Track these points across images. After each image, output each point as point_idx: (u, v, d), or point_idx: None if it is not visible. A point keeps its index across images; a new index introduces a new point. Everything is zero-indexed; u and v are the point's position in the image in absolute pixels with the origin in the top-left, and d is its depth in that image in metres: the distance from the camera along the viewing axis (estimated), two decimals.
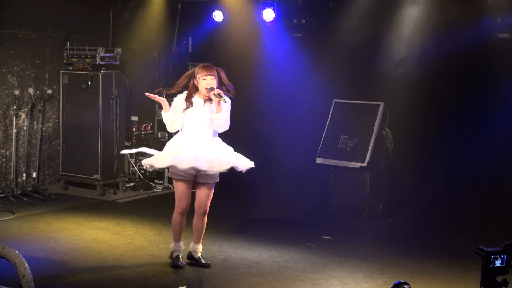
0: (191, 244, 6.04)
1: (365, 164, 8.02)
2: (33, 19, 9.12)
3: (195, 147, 5.62)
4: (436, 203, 8.17)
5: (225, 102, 5.58)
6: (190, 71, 5.76)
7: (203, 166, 5.58)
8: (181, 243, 6.00)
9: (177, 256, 5.98)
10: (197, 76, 5.66)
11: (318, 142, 8.48)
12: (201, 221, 5.92)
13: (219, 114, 5.61)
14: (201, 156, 5.58)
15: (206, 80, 5.63)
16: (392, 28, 8.48)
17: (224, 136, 10.30)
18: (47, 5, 9.24)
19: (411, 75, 8.32)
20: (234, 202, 8.82)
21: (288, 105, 9.21)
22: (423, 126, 8.35)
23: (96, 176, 9.17)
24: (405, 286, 3.48)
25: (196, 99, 5.74)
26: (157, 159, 5.74)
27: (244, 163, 5.74)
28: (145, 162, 5.78)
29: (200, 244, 6.02)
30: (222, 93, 5.60)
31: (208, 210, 5.90)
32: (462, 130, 8.07)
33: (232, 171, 5.79)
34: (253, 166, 5.84)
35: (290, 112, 9.21)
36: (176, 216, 5.90)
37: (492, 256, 3.35)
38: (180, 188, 5.77)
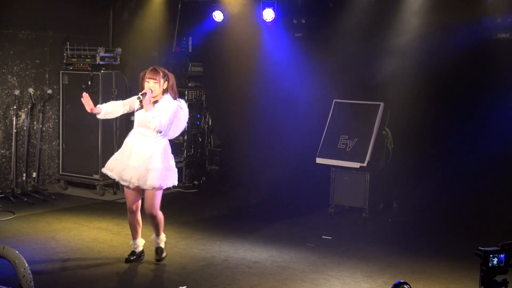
0: (152, 236, 6.11)
1: (365, 164, 8.03)
2: (33, 19, 9.12)
3: (130, 152, 5.78)
4: (436, 203, 8.17)
5: (139, 98, 5.66)
6: (143, 72, 5.83)
7: (125, 182, 5.82)
8: (137, 241, 6.11)
9: (131, 252, 6.10)
10: (144, 78, 5.77)
11: (318, 142, 8.48)
12: (152, 222, 5.99)
13: (147, 113, 5.66)
14: (130, 168, 5.74)
15: (149, 83, 5.72)
16: (392, 28, 8.48)
17: (224, 136, 10.32)
18: (47, 5, 9.24)
19: (411, 75, 8.32)
20: (234, 202, 8.83)
21: (288, 105, 9.21)
22: (423, 126, 8.35)
23: (96, 176, 9.16)
24: (405, 286, 3.48)
25: None
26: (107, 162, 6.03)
27: (160, 182, 5.77)
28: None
29: (161, 236, 6.07)
30: (147, 93, 5.66)
31: (155, 213, 5.87)
32: (462, 130, 8.08)
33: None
34: (175, 185, 6.01)
35: (290, 112, 9.22)
36: (128, 216, 6.07)
37: (491, 255, 3.35)
38: (125, 190, 5.98)
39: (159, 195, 5.85)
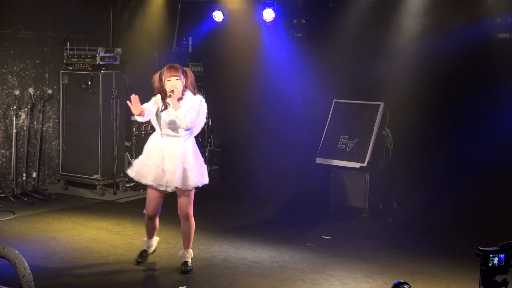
0: (181, 250, 5.94)
1: (365, 164, 8.03)
2: (33, 19, 9.12)
3: (162, 155, 5.63)
4: (436, 203, 8.17)
5: (170, 97, 5.51)
6: (158, 73, 5.68)
7: (162, 186, 5.68)
8: (151, 240, 6.07)
9: (142, 250, 6.06)
10: (163, 77, 5.60)
11: (318, 142, 8.49)
12: (186, 226, 5.82)
13: (177, 111, 5.52)
14: (165, 169, 5.61)
15: (170, 81, 5.56)
16: (392, 28, 8.48)
17: (224, 136, 10.33)
18: (47, 5, 9.24)
19: (411, 75, 8.31)
20: (234, 202, 8.83)
21: (288, 105, 9.20)
22: (423, 126, 8.35)
23: (96, 176, 9.16)
24: (405, 286, 3.48)
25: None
26: (133, 169, 5.87)
27: (198, 180, 5.71)
28: (127, 173, 6.07)
29: (190, 250, 5.89)
30: (173, 92, 5.53)
31: (191, 214, 5.78)
32: (462, 130, 8.07)
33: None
34: (207, 183, 5.86)
35: (290, 112, 9.21)
36: (145, 220, 5.98)
37: (491, 255, 3.35)
38: (148, 193, 5.86)
39: (193, 194, 5.76)
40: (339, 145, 8.32)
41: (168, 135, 5.65)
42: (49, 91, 9.20)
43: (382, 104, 8.24)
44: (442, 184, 8.24)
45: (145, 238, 6.14)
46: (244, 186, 9.20)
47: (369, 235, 7.37)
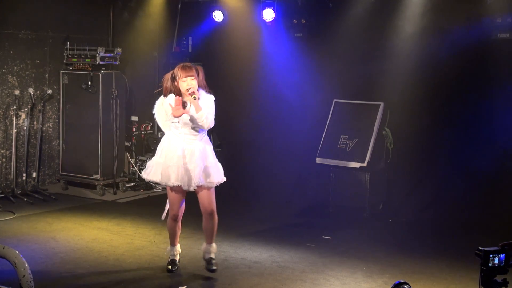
0: (203, 245, 5.88)
1: (365, 164, 8.03)
2: (33, 19, 9.12)
3: (183, 153, 5.54)
4: (436, 203, 8.17)
5: (195, 99, 5.44)
6: (169, 73, 5.58)
7: (187, 186, 5.57)
8: (177, 247, 5.93)
9: (172, 260, 5.90)
10: (177, 78, 5.51)
11: (318, 142, 8.48)
12: (210, 222, 5.77)
13: (199, 113, 5.45)
14: (188, 168, 5.52)
15: (186, 82, 5.47)
16: (392, 28, 8.48)
17: (225, 135, 10.34)
18: (47, 5, 9.24)
19: (411, 75, 8.31)
20: (234, 202, 8.82)
21: (288, 105, 9.21)
22: (423, 126, 8.35)
23: (96, 176, 9.16)
24: (405, 286, 3.48)
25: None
26: (150, 171, 5.70)
27: (220, 177, 5.71)
28: (143, 177, 5.91)
29: (213, 244, 5.82)
30: (196, 93, 5.47)
31: (215, 210, 5.75)
32: (462, 130, 8.07)
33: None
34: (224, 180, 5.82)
35: (290, 112, 9.21)
36: (169, 221, 5.88)
37: (491, 255, 3.35)
38: (170, 195, 5.76)
39: (213, 191, 5.70)
40: (339, 145, 8.32)
41: (185, 134, 5.56)
42: (49, 91, 9.20)
43: (382, 104, 8.24)
44: (442, 183, 8.24)
45: (168, 247, 5.96)
46: (244, 186, 9.20)
47: (369, 235, 7.37)
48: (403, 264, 6.29)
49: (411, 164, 8.44)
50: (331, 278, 5.81)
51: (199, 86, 5.56)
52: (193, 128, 5.55)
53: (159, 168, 5.61)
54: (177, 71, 5.52)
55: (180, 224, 5.90)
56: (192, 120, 5.49)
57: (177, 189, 5.65)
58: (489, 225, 7.47)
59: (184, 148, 5.55)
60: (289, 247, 6.75)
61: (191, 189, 5.60)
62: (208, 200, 5.68)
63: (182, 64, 5.59)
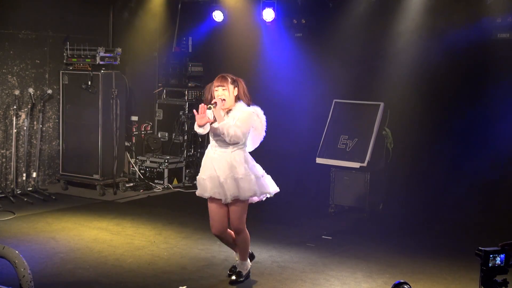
0: (237, 261, 5.76)
1: (365, 164, 8.03)
2: (33, 19, 9.12)
3: (212, 165, 5.38)
4: (436, 203, 8.17)
5: (210, 108, 5.27)
6: (209, 84, 5.52)
7: (220, 195, 5.37)
8: (235, 255, 5.81)
9: (232, 266, 5.81)
10: (212, 88, 5.42)
11: (318, 142, 8.48)
12: (237, 239, 5.61)
13: (219, 124, 5.27)
14: (220, 180, 5.34)
15: (217, 92, 5.35)
16: (392, 28, 8.49)
17: None
18: (47, 5, 9.24)
19: (411, 75, 8.32)
20: None
21: (288, 105, 9.21)
22: (423, 126, 8.36)
23: (96, 176, 9.16)
24: (405, 286, 3.49)
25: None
26: (198, 188, 5.56)
27: (254, 191, 5.41)
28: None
29: (245, 262, 5.66)
30: (217, 103, 5.29)
31: (241, 228, 5.48)
32: (462, 130, 8.08)
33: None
34: (277, 190, 5.60)
35: (290, 112, 9.22)
36: (219, 239, 5.73)
37: (491, 255, 3.35)
38: (210, 207, 5.57)
39: (244, 208, 5.45)
40: (339, 145, 8.32)
41: (217, 146, 5.40)
42: (49, 91, 9.19)
43: (382, 104, 8.24)
44: (442, 183, 8.24)
45: (235, 253, 5.82)
46: None
47: (369, 235, 7.37)
48: (403, 264, 6.29)
49: (411, 164, 8.44)
50: (331, 278, 5.81)
51: (239, 99, 5.38)
52: (221, 141, 5.34)
53: (199, 183, 5.50)
54: (214, 81, 5.41)
55: (228, 235, 5.64)
56: (214, 131, 5.32)
57: (215, 203, 5.46)
58: (489, 225, 7.47)
59: (213, 160, 5.38)
60: (289, 247, 6.75)
61: (228, 200, 5.37)
62: (234, 215, 5.46)
63: (220, 75, 5.45)
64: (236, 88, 5.39)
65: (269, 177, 5.61)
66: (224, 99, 5.32)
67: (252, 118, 5.38)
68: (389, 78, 8.49)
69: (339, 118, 8.51)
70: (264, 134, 5.57)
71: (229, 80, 5.37)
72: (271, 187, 5.59)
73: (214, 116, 5.32)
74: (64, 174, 9.44)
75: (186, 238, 6.98)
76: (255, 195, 5.43)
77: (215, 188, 5.36)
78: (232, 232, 5.63)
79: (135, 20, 10.25)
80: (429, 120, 8.34)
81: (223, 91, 5.34)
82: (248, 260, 5.71)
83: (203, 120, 5.21)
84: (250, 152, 5.58)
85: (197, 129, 5.29)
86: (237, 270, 5.68)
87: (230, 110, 5.39)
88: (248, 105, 5.43)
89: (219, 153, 5.38)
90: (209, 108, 5.28)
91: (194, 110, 5.30)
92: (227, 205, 5.44)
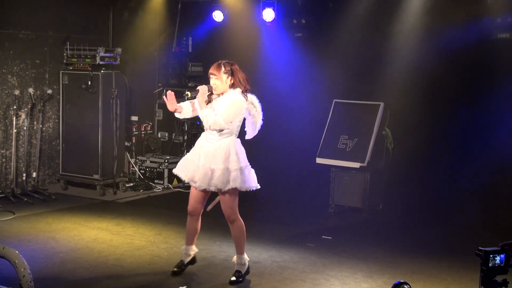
0: (234, 256, 5.75)
1: (365, 164, 8.03)
2: (33, 19, 9.12)
3: (200, 151, 5.48)
4: (436, 203, 8.17)
5: (185, 95, 5.48)
6: None
7: (194, 183, 5.47)
8: (190, 247, 5.80)
9: (180, 261, 5.83)
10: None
11: (318, 142, 8.49)
12: (232, 229, 5.62)
13: (201, 111, 5.43)
14: (199, 168, 5.42)
15: (211, 80, 5.49)
16: (392, 28, 8.49)
17: None
18: (47, 5, 9.24)
19: (411, 75, 8.32)
20: None
21: (288, 105, 9.21)
22: (423, 126, 8.36)
23: (96, 176, 9.16)
24: (405, 286, 3.48)
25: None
26: (178, 165, 5.68)
27: (222, 182, 5.40)
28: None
29: (242, 256, 5.64)
30: (189, 92, 5.48)
31: (234, 218, 5.52)
32: (462, 130, 8.08)
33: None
34: (257, 187, 5.59)
35: (290, 112, 9.22)
36: (188, 218, 5.77)
37: (491, 255, 3.35)
38: (190, 190, 5.67)
39: (234, 197, 5.48)
40: (339, 145, 8.32)
41: (207, 132, 5.50)
42: (49, 91, 9.19)
43: (382, 104, 8.24)
44: (442, 183, 8.24)
45: (184, 246, 5.89)
46: None
47: (369, 235, 7.37)
48: (403, 264, 6.29)
49: (411, 164, 8.44)
50: (331, 278, 5.81)
51: (234, 86, 5.46)
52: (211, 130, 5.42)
53: (183, 162, 5.61)
54: (211, 67, 5.54)
55: (198, 226, 5.73)
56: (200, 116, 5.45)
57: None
58: (489, 225, 7.47)
59: (202, 146, 5.50)
60: (289, 247, 6.74)
61: (199, 188, 5.48)
62: (224, 205, 5.52)
63: (217, 62, 5.57)
64: (230, 77, 5.47)
65: (252, 170, 5.59)
66: (214, 87, 5.45)
67: (241, 107, 5.43)
68: (389, 78, 8.49)
69: (339, 118, 8.51)
70: (261, 122, 5.64)
71: (223, 69, 5.47)
72: (249, 183, 5.52)
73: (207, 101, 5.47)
74: (64, 174, 9.44)
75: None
76: (218, 188, 5.43)
77: (192, 173, 5.46)
78: (198, 229, 5.73)
79: (135, 20, 10.25)
80: (429, 120, 8.33)
81: (215, 80, 5.47)
82: (245, 254, 5.69)
83: (173, 106, 5.46)
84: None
85: (176, 114, 5.58)
86: (235, 269, 5.66)
87: (221, 95, 5.49)
88: (245, 91, 5.48)
89: (208, 140, 5.48)
90: (186, 96, 5.49)
91: (164, 97, 5.49)
92: (207, 191, 5.53)
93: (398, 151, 8.35)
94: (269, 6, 9.00)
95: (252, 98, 5.56)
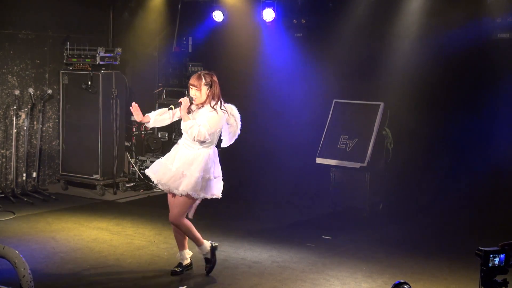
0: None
1: (365, 164, 8.03)
2: (33, 19, 9.12)
3: (175, 156, 5.59)
4: (436, 203, 8.17)
5: (170, 109, 5.57)
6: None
7: (162, 186, 5.61)
8: (184, 252, 5.84)
9: (179, 263, 5.85)
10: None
11: (318, 142, 8.48)
12: (181, 231, 5.72)
13: (185, 123, 5.52)
14: (170, 171, 5.53)
15: (191, 90, 5.56)
16: (392, 28, 8.49)
17: None
18: (47, 5, 9.24)
19: (411, 75, 8.32)
20: (234, 202, 8.81)
21: (288, 105, 9.21)
22: (423, 126, 8.36)
23: (96, 176, 9.16)
24: (405, 286, 3.49)
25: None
26: (151, 166, 5.80)
27: (190, 189, 5.50)
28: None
29: (184, 251, 5.80)
30: (183, 102, 5.53)
31: (177, 223, 5.60)
32: (462, 130, 8.08)
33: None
34: (219, 196, 5.71)
35: (290, 112, 9.22)
36: (172, 226, 5.85)
37: (491, 255, 3.35)
38: (168, 198, 5.76)
39: (185, 204, 5.56)
40: (339, 145, 8.32)
41: (186, 140, 5.57)
42: (49, 91, 9.19)
43: (382, 104, 8.24)
44: (442, 183, 8.24)
45: (178, 253, 5.89)
46: (244, 186, 9.20)
47: (369, 235, 7.37)
48: (403, 264, 6.29)
49: (411, 164, 8.44)
50: (331, 278, 5.81)
51: (212, 97, 5.51)
52: (189, 138, 5.54)
53: (156, 164, 5.70)
54: (191, 78, 5.60)
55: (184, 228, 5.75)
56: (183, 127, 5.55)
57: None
58: (489, 225, 7.47)
59: (178, 152, 5.60)
60: (289, 247, 6.74)
61: (166, 190, 5.62)
62: (171, 206, 5.65)
63: (197, 73, 5.61)
64: (210, 89, 5.53)
65: (220, 181, 5.74)
66: (194, 98, 5.53)
67: (222, 118, 5.54)
68: (389, 78, 8.49)
69: (339, 118, 8.51)
70: (239, 131, 5.72)
71: (203, 81, 5.52)
72: (214, 191, 5.66)
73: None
74: (64, 174, 9.44)
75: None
76: (183, 194, 5.50)
77: (161, 176, 5.55)
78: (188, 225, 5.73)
79: (135, 20, 10.25)
80: (430, 119, 8.33)
81: (196, 91, 5.54)
82: (205, 242, 5.77)
83: (138, 117, 5.60)
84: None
85: (146, 124, 5.75)
86: (204, 258, 5.80)
87: (202, 105, 5.56)
88: (216, 103, 5.51)
89: (187, 147, 5.56)
90: (170, 109, 5.57)
91: (131, 107, 5.61)
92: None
93: (398, 151, 8.35)
94: (269, 6, 8.99)
95: (232, 108, 5.68)
